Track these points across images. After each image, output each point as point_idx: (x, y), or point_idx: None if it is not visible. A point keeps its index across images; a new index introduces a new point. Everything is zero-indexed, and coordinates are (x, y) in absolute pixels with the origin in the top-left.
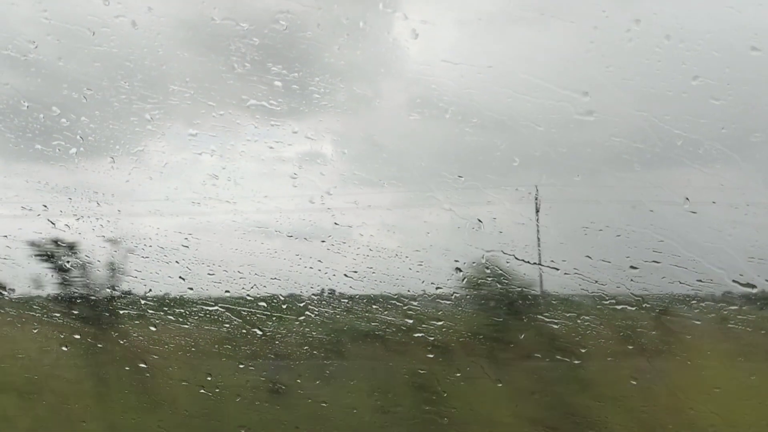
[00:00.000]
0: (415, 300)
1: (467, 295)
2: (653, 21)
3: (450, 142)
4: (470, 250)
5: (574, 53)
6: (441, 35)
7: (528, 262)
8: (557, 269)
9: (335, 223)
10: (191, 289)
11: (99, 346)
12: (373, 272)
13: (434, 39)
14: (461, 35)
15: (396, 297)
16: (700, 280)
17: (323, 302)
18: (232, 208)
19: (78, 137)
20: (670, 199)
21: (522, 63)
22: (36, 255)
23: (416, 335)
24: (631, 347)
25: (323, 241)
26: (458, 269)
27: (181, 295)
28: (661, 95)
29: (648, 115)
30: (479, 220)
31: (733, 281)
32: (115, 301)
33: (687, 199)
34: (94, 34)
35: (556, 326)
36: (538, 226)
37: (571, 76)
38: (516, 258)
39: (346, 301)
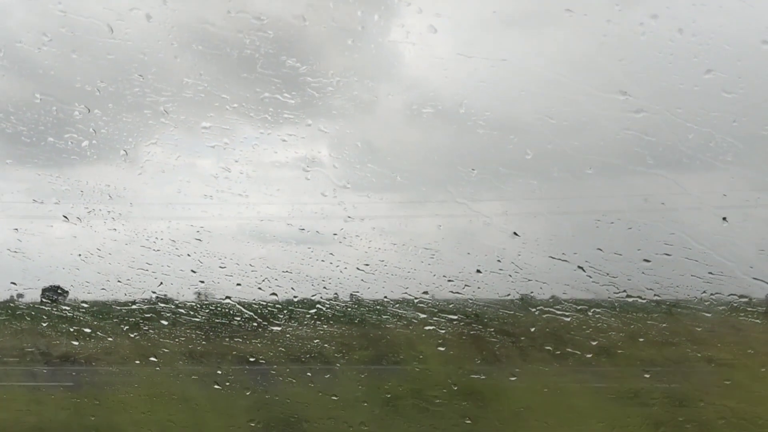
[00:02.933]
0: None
1: None
2: (666, 15)
3: (462, 136)
4: (482, 242)
5: (587, 47)
6: (456, 29)
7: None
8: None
9: (347, 216)
10: (202, 282)
11: None
12: (385, 265)
13: (449, 33)
14: (476, 29)
15: None
16: (711, 273)
17: None
18: (244, 201)
19: (91, 130)
20: (682, 192)
21: (536, 57)
22: None
23: None
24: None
25: (335, 234)
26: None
27: None
28: (674, 88)
29: (660, 109)
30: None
31: (744, 274)
32: None
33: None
34: (112, 30)
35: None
36: None
37: (584, 69)
38: None
39: None
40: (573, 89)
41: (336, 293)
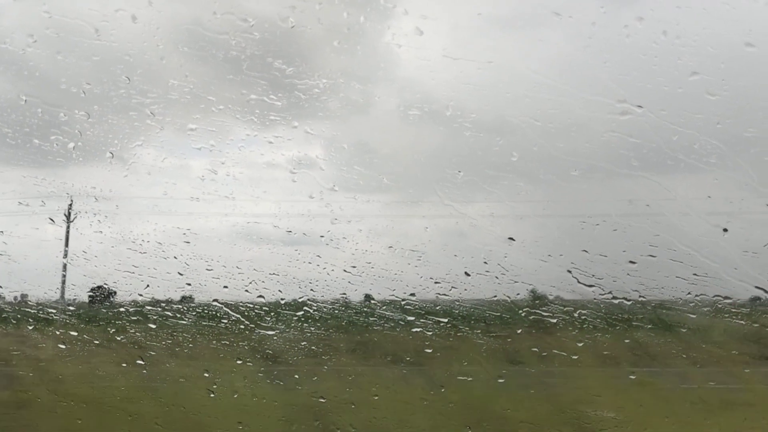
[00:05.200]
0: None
1: None
2: (651, 17)
3: (449, 138)
4: (469, 244)
5: (572, 49)
6: (441, 31)
7: None
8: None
9: (334, 219)
10: (189, 284)
11: None
12: (372, 267)
13: (434, 34)
14: (462, 31)
15: None
16: (696, 274)
17: None
18: (230, 204)
19: (76, 132)
20: (667, 194)
21: (521, 58)
22: None
23: None
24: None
25: (322, 236)
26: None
27: None
28: (658, 90)
29: (645, 111)
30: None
31: (728, 275)
32: None
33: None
34: (97, 32)
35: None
36: None
37: (569, 71)
38: None
39: None
40: (558, 91)
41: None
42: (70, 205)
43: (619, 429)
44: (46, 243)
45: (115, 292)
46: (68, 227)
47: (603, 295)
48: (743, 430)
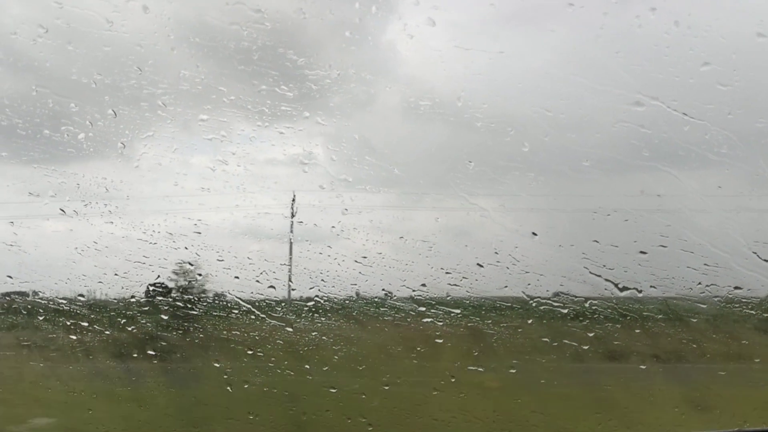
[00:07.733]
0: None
1: None
2: (662, 7)
3: (460, 129)
4: (480, 235)
5: (584, 39)
6: (453, 22)
7: None
8: None
9: (345, 209)
10: (201, 275)
11: None
12: (383, 258)
13: (446, 25)
14: (473, 22)
15: None
16: (707, 264)
17: None
18: (240, 194)
19: (87, 122)
20: (678, 185)
21: (533, 49)
22: None
23: None
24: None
25: (333, 227)
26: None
27: None
28: (670, 81)
29: (656, 101)
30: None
31: (739, 266)
32: None
33: None
34: (109, 22)
35: None
36: None
37: (581, 62)
38: None
39: None
40: (570, 82)
41: None
42: (293, 199)
43: None
44: (57, 234)
45: (172, 290)
46: (292, 223)
47: (614, 285)
48: None
